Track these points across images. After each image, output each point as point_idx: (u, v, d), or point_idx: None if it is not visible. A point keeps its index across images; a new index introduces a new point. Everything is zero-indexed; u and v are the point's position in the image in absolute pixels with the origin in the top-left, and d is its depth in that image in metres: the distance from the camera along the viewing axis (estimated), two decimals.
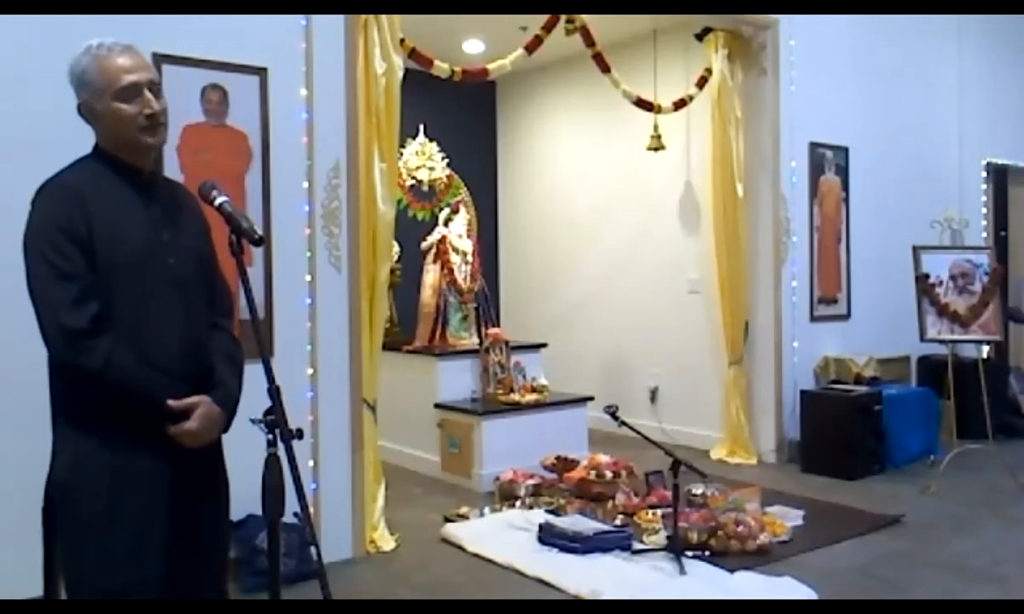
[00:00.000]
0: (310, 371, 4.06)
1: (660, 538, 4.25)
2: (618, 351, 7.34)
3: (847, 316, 6.65)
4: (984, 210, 7.89)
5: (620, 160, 7.30)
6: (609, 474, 5.12)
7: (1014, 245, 8.12)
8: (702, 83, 6.18)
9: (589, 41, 5.48)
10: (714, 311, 6.29)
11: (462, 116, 7.89)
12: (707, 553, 4.08)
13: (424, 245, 6.21)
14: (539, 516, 4.56)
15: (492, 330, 6.04)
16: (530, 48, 5.21)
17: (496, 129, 8.67)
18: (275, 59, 3.94)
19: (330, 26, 4.10)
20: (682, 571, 3.83)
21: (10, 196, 2.39)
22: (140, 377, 1.92)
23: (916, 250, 5.77)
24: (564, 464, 5.39)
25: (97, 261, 1.90)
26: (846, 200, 6.64)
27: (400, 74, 4.38)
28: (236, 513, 3.56)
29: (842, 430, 5.68)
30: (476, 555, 4.20)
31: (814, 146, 6.38)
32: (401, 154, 5.84)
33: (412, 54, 4.58)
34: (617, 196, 7.39)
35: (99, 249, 1.91)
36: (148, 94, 1.99)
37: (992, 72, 7.88)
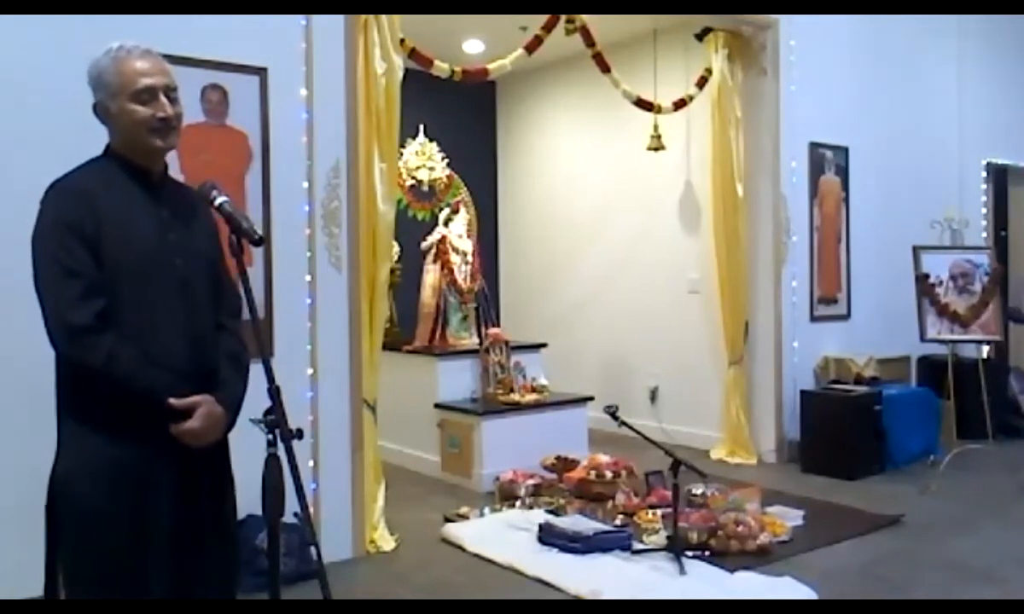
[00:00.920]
0: (310, 371, 4.06)
1: (660, 538, 4.25)
2: (618, 351, 7.34)
3: (847, 316, 6.65)
4: (984, 210, 7.89)
5: (620, 160, 7.30)
6: (609, 474, 5.12)
7: (1014, 245, 8.12)
8: (702, 83, 6.18)
9: (589, 41, 5.48)
10: (714, 311, 6.29)
11: (462, 116, 7.89)
12: (707, 553, 4.08)
13: (424, 245, 6.21)
14: (539, 516, 4.56)
15: (492, 330, 6.04)
16: (530, 48, 5.21)
17: (496, 129, 8.67)
18: (275, 59, 3.94)
19: (330, 26, 4.10)
20: (682, 571, 3.83)
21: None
22: (143, 374, 1.93)
23: (916, 250, 5.77)
24: (564, 464, 5.39)
25: (104, 260, 1.92)
26: (846, 200, 6.64)
27: (400, 74, 4.38)
28: (236, 513, 3.60)
29: (842, 430, 5.68)
30: (476, 555, 4.20)
31: (814, 146, 6.38)
32: (401, 154, 5.84)
33: (412, 54, 4.58)
34: (617, 196, 7.38)
35: (106, 248, 1.92)
36: (163, 98, 2.03)
37: (992, 72, 7.88)
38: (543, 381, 6.04)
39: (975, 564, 4.05)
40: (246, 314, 2.11)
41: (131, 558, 1.93)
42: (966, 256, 5.85)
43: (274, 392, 1.96)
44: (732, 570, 3.87)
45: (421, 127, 6.49)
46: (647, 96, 6.12)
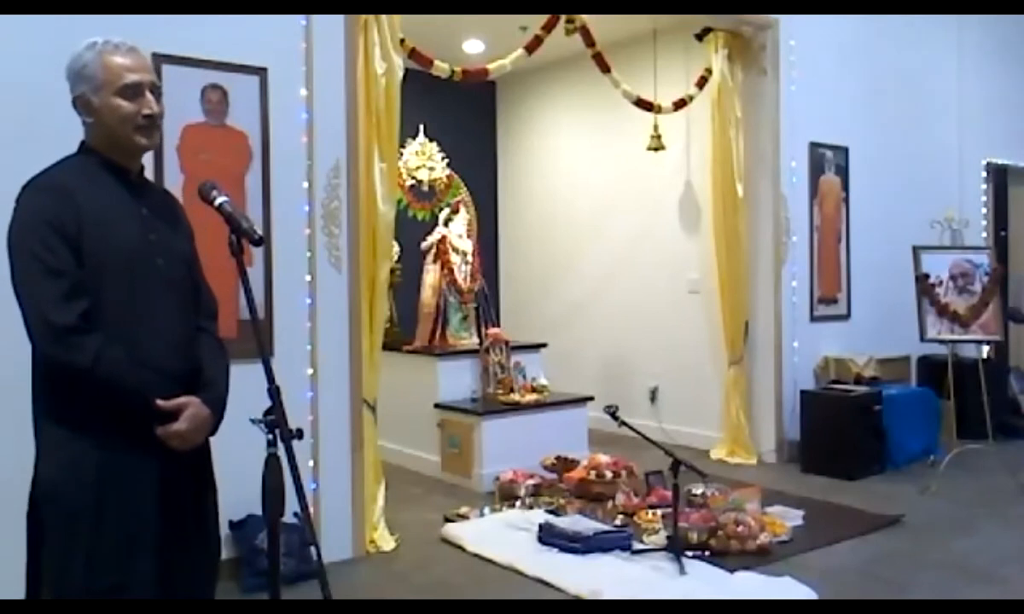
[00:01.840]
0: (310, 371, 4.06)
1: (660, 538, 4.24)
2: (618, 351, 7.34)
3: (847, 316, 6.65)
4: (984, 210, 7.89)
5: (620, 160, 7.30)
6: (609, 474, 5.12)
7: (1014, 245, 8.12)
8: (702, 83, 6.18)
9: (589, 41, 5.48)
10: (714, 311, 6.29)
11: (462, 116, 7.89)
12: (707, 553, 4.08)
13: (424, 245, 6.21)
14: (539, 516, 4.56)
15: (492, 330, 6.04)
16: (530, 48, 5.21)
17: (496, 129, 8.67)
18: (275, 59, 3.94)
19: (330, 26, 4.10)
20: (682, 571, 3.83)
21: None
22: (131, 375, 1.90)
23: (916, 250, 5.77)
24: (564, 464, 5.39)
25: (85, 259, 1.88)
26: (846, 200, 6.63)
27: (400, 74, 4.38)
28: (236, 513, 3.62)
29: (842, 430, 5.68)
30: (476, 555, 4.20)
31: (814, 146, 6.37)
32: (401, 154, 5.84)
33: (412, 54, 4.58)
34: (617, 196, 7.38)
35: (88, 246, 1.89)
36: (149, 96, 2.00)
37: (992, 72, 7.87)
38: (543, 381, 6.04)
39: (975, 564, 4.05)
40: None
41: (119, 560, 1.91)
42: (966, 256, 5.85)
43: (274, 392, 1.95)
44: (732, 570, 3.87)
45: (421, 127, 6.49)
46: (647, 96, 6.12)
